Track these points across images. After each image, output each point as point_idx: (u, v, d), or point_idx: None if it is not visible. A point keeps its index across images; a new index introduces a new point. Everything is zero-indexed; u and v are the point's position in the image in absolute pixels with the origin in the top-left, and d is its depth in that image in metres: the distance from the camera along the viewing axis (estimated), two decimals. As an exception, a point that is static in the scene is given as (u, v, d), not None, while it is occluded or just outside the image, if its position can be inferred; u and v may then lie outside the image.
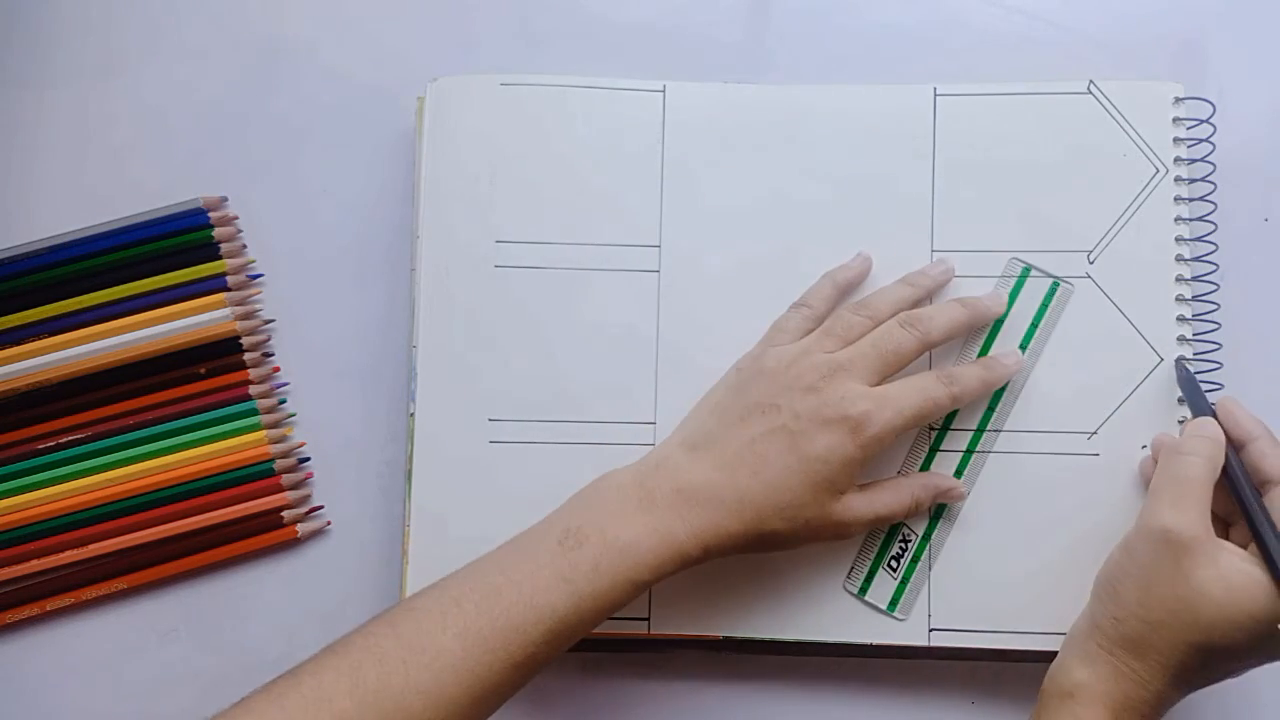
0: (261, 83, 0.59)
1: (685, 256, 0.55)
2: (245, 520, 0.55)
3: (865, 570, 0.52)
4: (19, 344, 0.56)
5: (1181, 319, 0.53)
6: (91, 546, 0.55)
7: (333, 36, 0.59)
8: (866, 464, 0.48)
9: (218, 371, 0.56)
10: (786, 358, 0.50)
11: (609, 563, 0.46)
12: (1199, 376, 0.52)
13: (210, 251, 0.57)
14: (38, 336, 0.56)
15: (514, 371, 0.54)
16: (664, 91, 0.55)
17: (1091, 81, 0.54)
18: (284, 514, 0.55)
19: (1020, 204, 0.54)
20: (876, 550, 0.53)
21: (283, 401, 0.57)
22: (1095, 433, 0.52)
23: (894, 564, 0.52)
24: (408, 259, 0.56)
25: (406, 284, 0.56)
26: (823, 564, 0.52)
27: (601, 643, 0.53)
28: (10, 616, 0.55)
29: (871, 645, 0.52)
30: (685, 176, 0.55)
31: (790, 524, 0.47)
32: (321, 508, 0.56)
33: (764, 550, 0.49)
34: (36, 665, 0.56)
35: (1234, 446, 0.49)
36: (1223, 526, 0.49)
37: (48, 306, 0.56)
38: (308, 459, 0.57)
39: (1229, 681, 0.47)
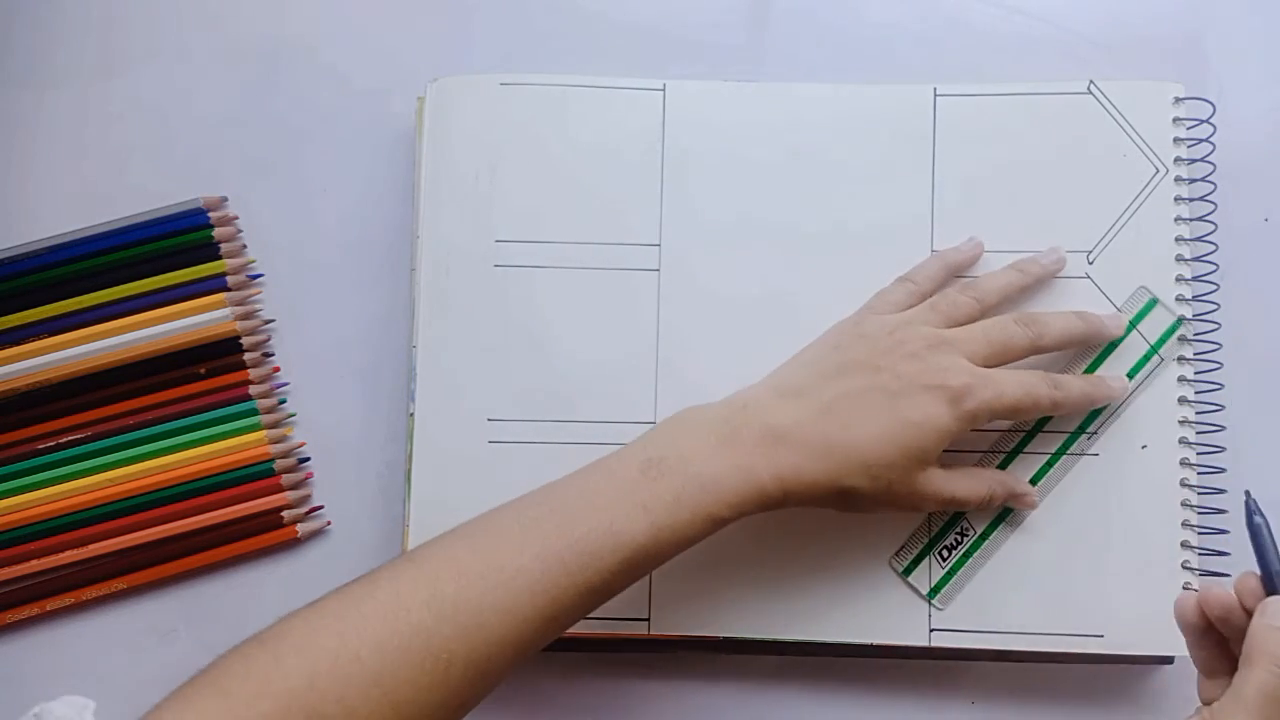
0: (262, 83, 0.59)
1: (685, 255, 0.55)
2: (245, 520, 0.55)
3: (915, 552, 0.52)
4: (19, 344, 0.56)
5: (1181, 319, 0.53)
6: (91, 546, 0.55)
7: (333, 37, 0.59)
8: (958, 437, 0.48)
9: (218, 371, 0.56)
10: (890, 324, 0.50)
11: (690, 495, 0.45)
12: (1199, 377, 0.52)
13: (210, 251, 0.57)
14: (38, 336, 0.56)
15: (513, 371, 0.54)
16: (664, 90, 0.55)
17: (1091, 82, 0.54)
18: (284, 514, 0.55)
19: (1020, 204, 0.54)
20: (930, 537, 0.52)
21: (283, 401, 0.57)
22: (1096, 433, 0.52)
23: (944, 554, 0.52)
24: (408, 259, 0.56)
25: (407, 284, 0.56)
26: (822, 564, 0.52)
27: (601, 643, 0.53)
28: (10, 616, 0.55)
29: (871, 646, 0.52)
30: (685, 175, 0.55)
31: (874, 483, 0.47)
32: (321, 508, 0.56)
33: (840, 508, 0.48)
34: (36, 665, 0.55)
35: None
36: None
37: (48, 306, 0.56)
38: (308, 459, 0.57)
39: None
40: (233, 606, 0.56)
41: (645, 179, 0.55)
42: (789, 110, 0.55)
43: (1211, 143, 0.54)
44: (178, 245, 0.57)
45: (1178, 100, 0.54)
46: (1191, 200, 0.54)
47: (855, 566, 0.52)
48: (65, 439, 0.56)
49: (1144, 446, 0.52)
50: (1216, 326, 0.53)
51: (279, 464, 0.56)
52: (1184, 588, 0.51)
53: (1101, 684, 0.54)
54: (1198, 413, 0.52)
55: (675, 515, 0.45)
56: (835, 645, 0.52)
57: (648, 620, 0.53)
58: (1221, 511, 0.52)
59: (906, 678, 0.54)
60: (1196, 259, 0.53)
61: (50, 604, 0.55)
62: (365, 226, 0.58)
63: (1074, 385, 0.50)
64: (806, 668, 0.54)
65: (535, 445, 0.53)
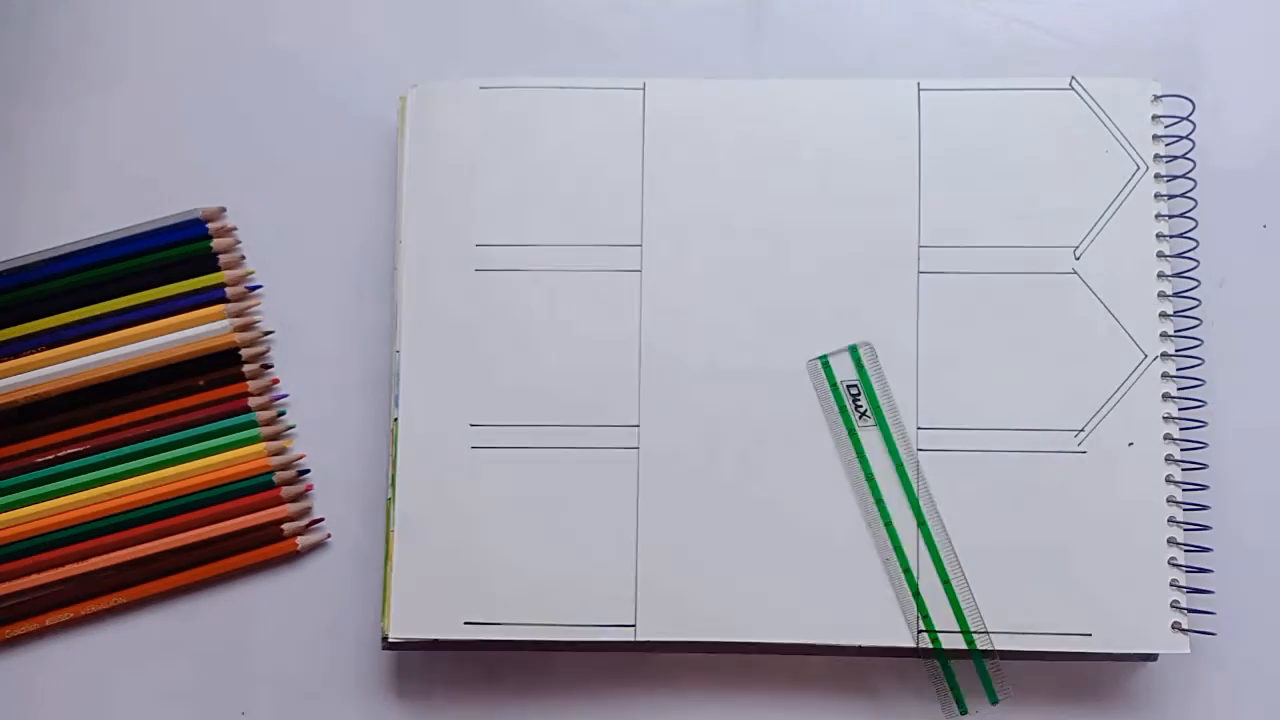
0: (260, 94, 0.59)
1: (667, 255, 0.55)
2: (245, 533, 0.55)
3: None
4: (16, 357, 0.56)
5: (1164, 315, 0.53)
6: (90, 561, 0.55)
7: (333, 47, 0.60)
8: None
9: (216, 383, 0.56)
10: None
11: None
12: (1181, 372, 0.53)
13: (209, 263, 0.57)
14: (35, 349, 0.56)
15: (495, 375, 0.54)
16: (643, 89, 0.56)
17: (1073, 78, 0.55)
18: (284, 527, 0.55)
19: (1005, 200, 0.54)
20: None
21: (282, 413, 0.57)
22: (1082, 430, 0.53)
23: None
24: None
25: (400, 292, 0.57)
26: (810, 567, 0.52)
27: (587, 648, 0.53)
28: (9, 632, 0.55)
29: (858, 647, 0.52)
30: (666, 174, 0.55)
31: None
32: (322, 520, 0.56)
33: None
34: (35, 680, 0.55)
35: None
36: None
37: (45, 319, 0.56)
38: (307, 471, 0.56)
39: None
40: (232, 620, 0.55)
41: (626, 179, 0.55)
42: (770, 107, 0.55)
43: (1191, 140, 0.54)
44: (176, 257, 0.57)
45: (1156, 98, 0.55)
46: (1172, 197, 0.54)
47: (843, 570, 0.52)
48: (64, 452, 0.56)
49: (1130, 444, 0.52)
50: (1198, 323, 0.54)
51: (278, 476, 0.56)
52: (1170, 585, 0.51)
53: (1087, 682, 0.54)
54: (1180, 409, 0.53)
55: None
56: (823, 647, 0.52)
57: (634, 626, 0.52)
58: (1205, 508, 0.53)
59: (906, 677, 0.54)
60: (1178, 255, 0.54)
61: (49, 619, 0.55)
62: (365, 237, 0.58)
63: None
64: (794, 670, 0.54)
65: (519, 450, 0.54)
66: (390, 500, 0.53)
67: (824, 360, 0.54)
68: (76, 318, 0.56)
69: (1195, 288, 0.54)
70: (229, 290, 0.57)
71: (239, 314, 0.57)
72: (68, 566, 0.55)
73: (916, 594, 0.52)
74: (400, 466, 0.54)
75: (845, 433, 0.53)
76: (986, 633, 0.52)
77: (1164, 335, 0.53)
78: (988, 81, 0.55)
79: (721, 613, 0.52)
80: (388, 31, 0.60)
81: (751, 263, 0.54)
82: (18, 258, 0.57)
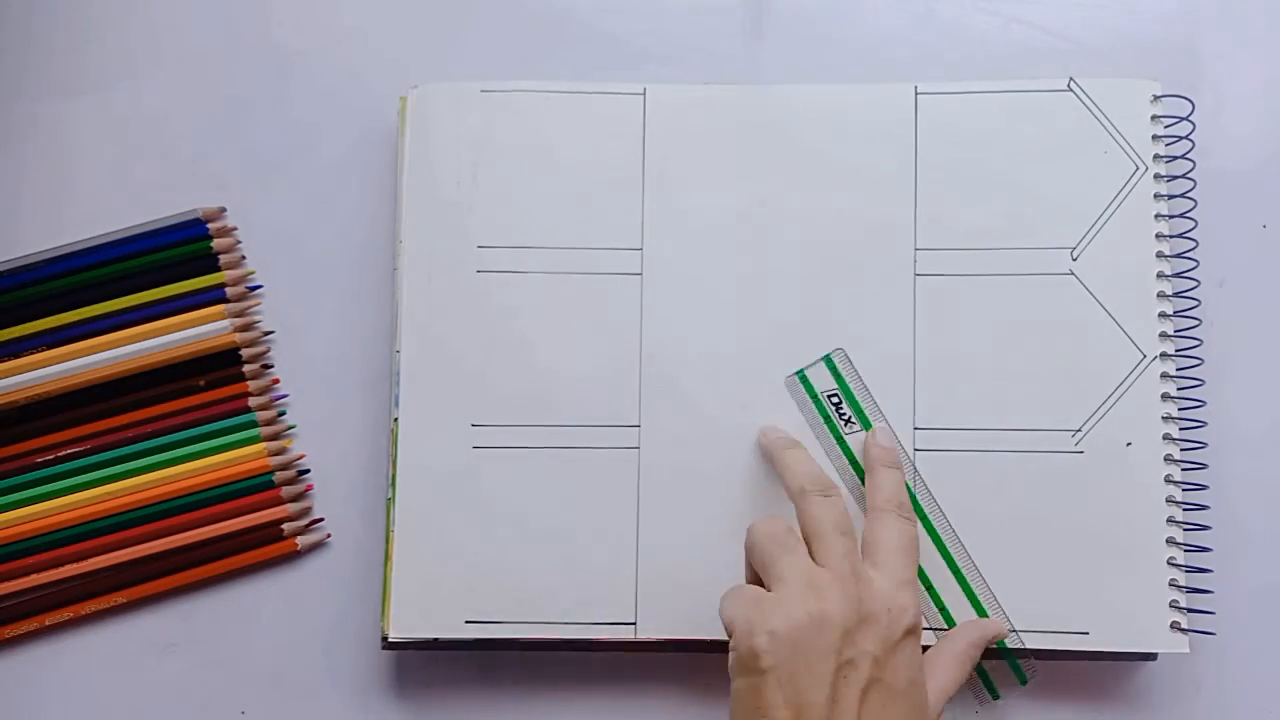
0: (261, 94, 0.59)
1: (667, 259, 0.55)
2: (245, 533, 0.55)
3: None
4: (17, 357, 0.56)
5: (1163, 315, 0.53)
6: (91, 560, 0.55)
7: (334, 48, 0.60)
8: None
9: (217, 383, 0.56)
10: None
11: None
12: (1181, 372, 0.53)
13: (209, 263, 0.57)
14: (36, 349, 0.56)
15: (496, 376, 0.54)
16: (644, 94, 0.56)
17: (1071, 79, 0.55)
18: (284, 527, 0.55)
19: (1003, 201, 0.54)
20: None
21: (282, 413, 0.57)
22: (1080, 430, 0.53)
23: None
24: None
25: (401, 293, 0.57)
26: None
27: (588, 646, 0.53)
28: (9, 631, 0.55)
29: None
30: (667, 178, 0.55)
31: None
32: (322, 520, 0.56)
33: None
34: (36, 680, 0.55)
35: None
36: None
37: (46, 319, 0.56)
38: (307, 471, 0.56)
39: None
40: (232, 620, 0.55)
41: (627, 183, 0.55)
42: (769, 111, 0.56)
43: (1191, 140, 0.54)
44: (176, 257, 0.57)
45: (1155, 98, 0.55)
46: (1172, 197, 0.54)
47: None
48: (64, 452, 0.56)
49: (1129, 444, 0.52)
50: (1197, 323, 0.54)
51: (279, 476, 0.56)
52: (1169, 585, 0.51)
53: (1086, 681, 0.54)
54: (1180, 409, 0.53)
55: None
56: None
57: (634, 625, 0.52)
58: (1204, 508, 0.53)
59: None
60: (1177, 255, 0.54)
61: (49, 618, 0.55)
62: (366, 237, 0.58)
63: (887, 481, 0.51)
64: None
65: (519, 450, 0.54)
66: (390, 500, 0.54)
67: (801, 375, 0.54)
68: (76, 318, 0.56)
69: (1195, 288, 0.54)
70: (229, 290, 0.57)
71: (239, 314, 0.57)
72: (68, 566, 0.55)
73: (930, 588, 0.52)
74: (400, 466, 0.54)
75: (834, 441, 0.53)
76: (1007, 617, 0.52)
77: (1163, 335, 0.53)
78: (985, 84, 0.55)
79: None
80: (388, 31, 0.60)
81: (751, 265, 0.55)
82: (18, 258, 0.57)
